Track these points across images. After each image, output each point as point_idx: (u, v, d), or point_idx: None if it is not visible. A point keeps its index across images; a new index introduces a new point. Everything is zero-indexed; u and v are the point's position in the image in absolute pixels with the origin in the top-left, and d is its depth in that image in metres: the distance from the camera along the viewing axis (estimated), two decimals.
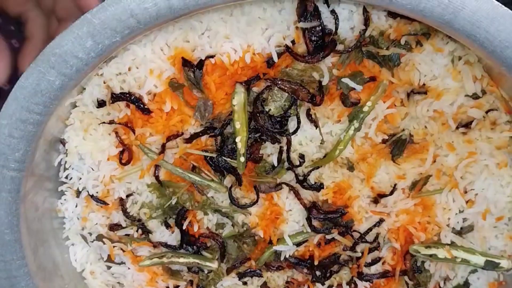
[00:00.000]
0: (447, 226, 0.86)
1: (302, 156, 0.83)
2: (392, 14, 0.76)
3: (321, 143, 0.83)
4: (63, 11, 0.77)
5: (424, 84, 0.79)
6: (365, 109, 0.79)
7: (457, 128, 0.81)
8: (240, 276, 0.92)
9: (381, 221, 0.87)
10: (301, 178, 0.84)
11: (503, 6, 0.67)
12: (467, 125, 0.81)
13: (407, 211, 0.86)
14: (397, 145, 0.83)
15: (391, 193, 0.85)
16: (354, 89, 0.79)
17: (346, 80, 0.78)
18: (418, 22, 0.75)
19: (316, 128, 0.82)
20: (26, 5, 0.81)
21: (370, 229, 0.87)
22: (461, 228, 0.87)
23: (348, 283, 0.91)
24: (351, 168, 0.84)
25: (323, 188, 0.85)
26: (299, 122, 0.81)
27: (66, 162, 0.88)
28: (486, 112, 0.80)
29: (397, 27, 0.76)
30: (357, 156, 0.83)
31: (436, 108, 0.80)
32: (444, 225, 0.86)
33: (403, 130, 0.82)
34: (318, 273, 0.90)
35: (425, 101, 0.79)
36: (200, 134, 0.82)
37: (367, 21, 0.75)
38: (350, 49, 0.76)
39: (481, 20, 0.67)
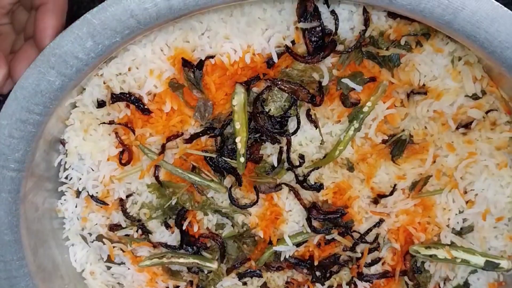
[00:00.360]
0: (447, 226, 0.86)
1: (302, 157, 0.83)
2: (392, 15, 0.76)
3: (321, 144, 0.83)
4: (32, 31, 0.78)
5: (424, 85, 0.79)
6: (365, 109, 0.79)
7: (457, 128, 0.81)
8: (240, 276, 0.92)
9: (381, 221, 0.86)
10: (301, 178, 0.84)
11: (503, 6, 0.67)
12: (467, 125, 0.81)
13: (407, 211, 0.86)
14: (397, 146, 0.83)
15: (391, 193, 0.85)
16: (354, 89, 0.79)
17: (346, 81, 0.78)
18: (418, 23, 0.75)
19: (316, 129, 0.82)
20: (2, 20, 0.81)
21: (370, 230, 0.87)
22: (461, 228, 0.87)
23: (348, 284, 0.91)
24: (351, 168, 0.84)
25: (323, 188, 0.85)
26: (299, 123, 0.81)
27: (66, 162, 0.88)
28: (486, 113, 0.80)
29: (397, 28, 0.76)
30: (357, 157, 0.83)
31: (436, 109, 0.80)
32: (444, 225, 0.86)
33: (403, 130, 0.82)
34: (318, 273, 0.90)
35: (425, 101, 0.79)
36: (200, 134, 0.82)
37: (367, 21, 0.75)
38: (350, 50, 0.76)
39: (481, 21, 0.67)
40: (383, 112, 0.80)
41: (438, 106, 0.79)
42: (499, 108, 0.81)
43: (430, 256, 0.85)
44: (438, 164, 0.84)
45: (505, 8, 0.67)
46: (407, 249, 0.87)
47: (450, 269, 0.90)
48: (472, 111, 0.80)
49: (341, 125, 0.82)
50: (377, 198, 0.85)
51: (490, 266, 0.84)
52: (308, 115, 0.81)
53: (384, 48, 0.76)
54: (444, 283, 0.91)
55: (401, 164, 0.84)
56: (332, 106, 0.81)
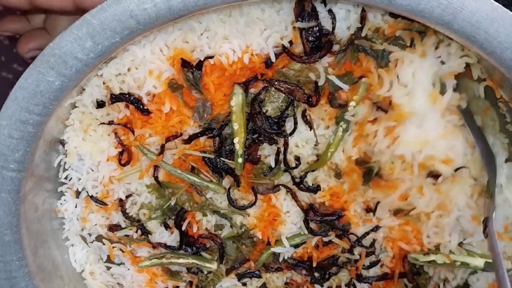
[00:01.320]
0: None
1: (297, 158, 0.83)
2: (392, 14, 0.76)
3: (315, 145, 0.83)
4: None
5: (390, 102, 0.76)
6: (350, 109, 0.78)
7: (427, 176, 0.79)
8: (239, 277, 0.92)
9: (377, 227, 0.86)
10: (297, 180, 0.84)
11: (502, 7, 0.67)
12: (436, 176, 0.78)
13: (397, 228, 0.85)
14: (366, 173, 0.81)
15: (374, 211, 0.83)
16: (342, 88, 0.78)
17: (332, 78, 0.77)
18: (418, 23, 0.75)
19: (310, 130, 0.81)
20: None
21: (367, 233, 0.86)
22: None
23: (347, 285, 0.91)
24: (337, 175, 0.83)
25: (319, 190, 0.84)
26: (296, 123, 0.80)
27: (65, 162, 0.88)
28: (455, 170, 0.78)
29: (392, 23, 0.76)
30: (346, 165, 0.82)
31: (398, 153, 0.77)
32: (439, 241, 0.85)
33: (375, 162, 0.80)
34: (316, 274, 0.89)
35: (388, 138, 0.76)
36: (199, 135, 0.82)
37: (363, 20, 0.74)
38: (344, 47, 0.75)
39: (480, 21, 0.67)
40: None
41: (401, 150, 0.76)
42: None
43: (429, 262, 0.84)
44: (413, 201, 0.81)
45: (505, 9, 0.67)
46: (406, 252, 0.86)
47: (450, 271, 0.89)
48: (441, 167, 0.78)
49: (334, 127, 0.81)
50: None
51: (490, 267, 0.83)
52: (304, 116, 0.81)
53: (378, 43, 0.75)
54: (444, 284, 0.90)
55: (375, 190, 0.82)
56: (326, 107, 0.80)
